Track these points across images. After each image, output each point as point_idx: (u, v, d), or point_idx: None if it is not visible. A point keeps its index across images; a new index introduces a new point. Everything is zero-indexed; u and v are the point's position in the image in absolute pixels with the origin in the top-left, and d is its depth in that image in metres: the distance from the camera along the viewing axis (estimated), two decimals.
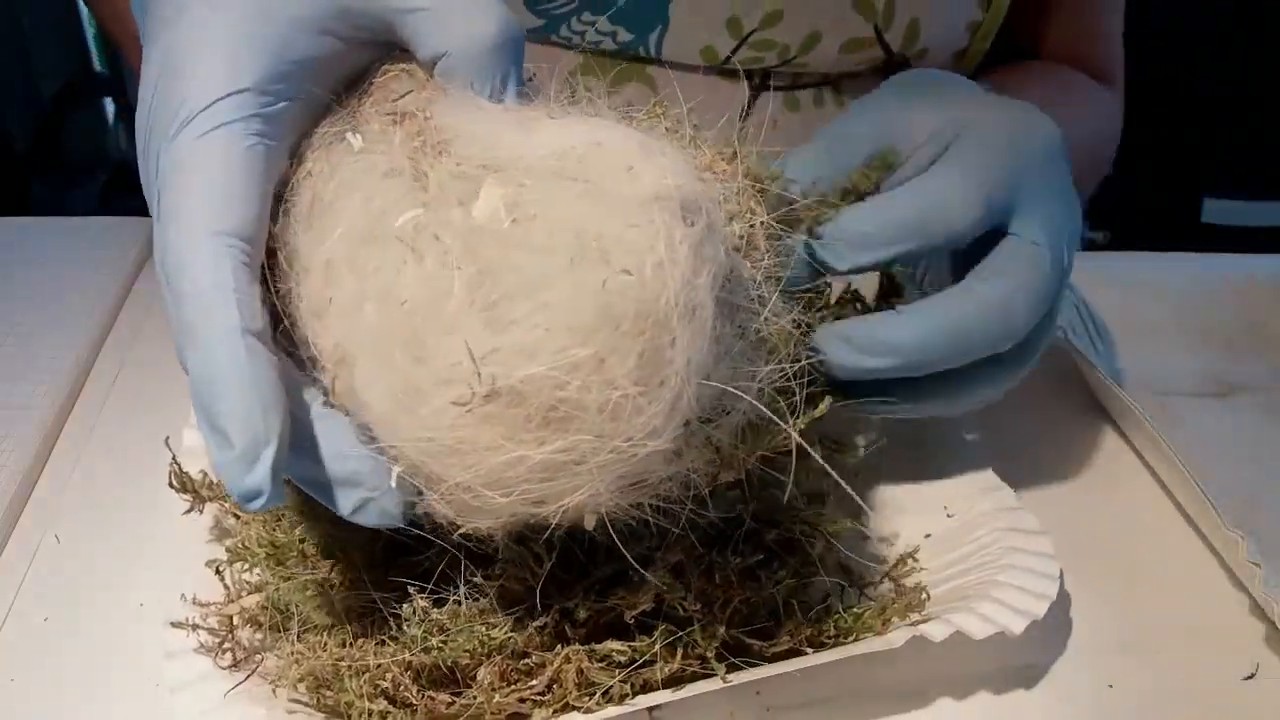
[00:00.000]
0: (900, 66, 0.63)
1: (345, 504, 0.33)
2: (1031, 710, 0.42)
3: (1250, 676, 0.43)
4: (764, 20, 0.60)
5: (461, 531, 0.33)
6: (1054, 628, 0.45)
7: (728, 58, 0.61)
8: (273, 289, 0.35)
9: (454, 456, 0.30)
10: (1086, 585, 0.47)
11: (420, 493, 0.33)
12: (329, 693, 0.37)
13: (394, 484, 0.33)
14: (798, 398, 0.35)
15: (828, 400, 0.39)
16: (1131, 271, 0.63)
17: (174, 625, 0.38)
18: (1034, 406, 0.57)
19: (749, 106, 0.64)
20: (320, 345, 0.34)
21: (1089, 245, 1.20)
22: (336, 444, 0.33)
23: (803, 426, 0.35)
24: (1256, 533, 0.47)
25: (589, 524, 0.33)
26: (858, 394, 0.42)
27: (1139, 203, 1.23)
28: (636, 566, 0.37)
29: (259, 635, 0.39)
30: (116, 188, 1.38)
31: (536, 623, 0.37)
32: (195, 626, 0.38)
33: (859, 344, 0.40)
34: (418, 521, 0.34)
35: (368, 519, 0.33)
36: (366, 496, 0.33)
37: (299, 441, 0.33)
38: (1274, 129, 1.24)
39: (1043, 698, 0.42)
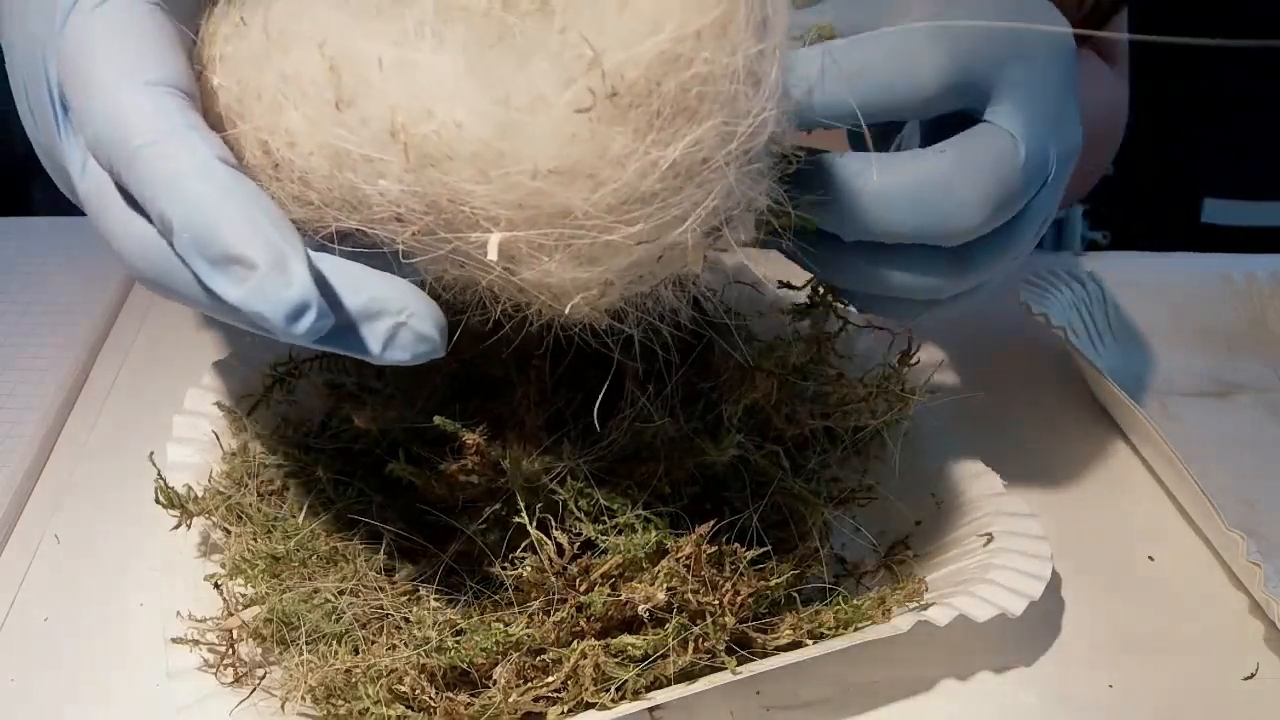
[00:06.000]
0: None
1: (374, 342, 0.29)
2: (1031, 710, 0.42)
3: (1250, 676, 0.43)
4: None
5: (567, 314, 0.30)
6: (1054, 627, 0.45)
7: None
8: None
9: (578, 183, 0.27)
10: (1087, 585, 0.47)
11: (464, 289, 0.29)
12: (341, 702, 0.36)
13: (493, 255, 0.29)
14: None
15: None
16: (1131, 271, 0.63)
17: (175, 641, 0.38)
18: (1034, 406, 0.57)
19: None
20: (343, 135, 0.29)
21: (1089, 245, 1.20)
22: (347, 276, 0.29)
23: None
24: (1256, 533, 0.47)
25: (695, 262, 0.31)
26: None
27: (1139, 203, 1.23)
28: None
29: (259, 649, 0.39)
30: None
31: (554, 618, 0.37)
32: (196, 643, 0.38)
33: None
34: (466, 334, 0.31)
35: (402, 352, 0.29)
36: (394, 324, 0.29)
37: None
38: (1274, 129, 1.24)
39: (1043, 698, 0.42)
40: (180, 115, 0.29)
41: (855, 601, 0.41)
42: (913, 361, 0.45)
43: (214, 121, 0.31)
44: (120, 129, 0.29)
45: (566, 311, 0.31)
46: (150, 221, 0.30)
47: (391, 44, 0.28)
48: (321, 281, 0.28)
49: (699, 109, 0.27)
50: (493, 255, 0.29)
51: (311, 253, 0.29)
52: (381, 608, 0.39)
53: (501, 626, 0.37)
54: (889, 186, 0.37)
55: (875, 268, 0.39)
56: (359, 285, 0.29)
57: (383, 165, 0.28)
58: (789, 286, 0.44)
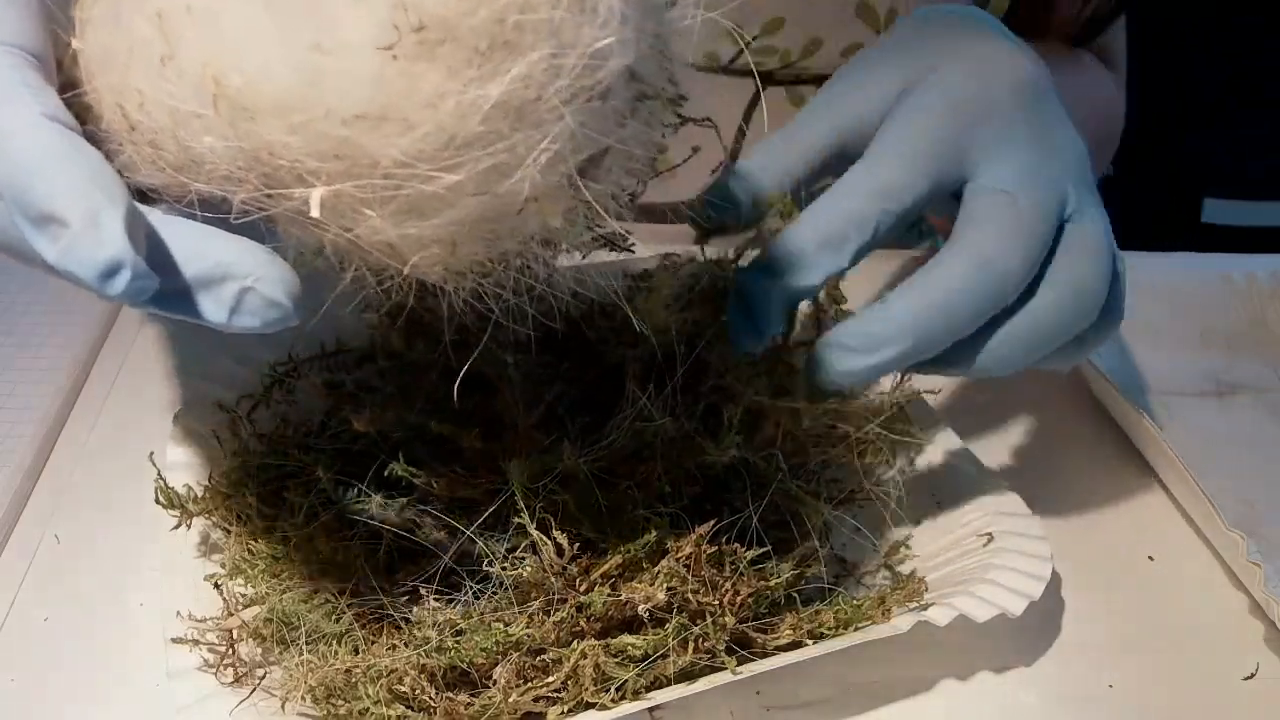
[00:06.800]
0: None
1: (218, 309, 0.28)
2: (1031, 710, 0.42)
3: (1250, 676, 0.43)
4: (765, 28, 0.60)
5: (408, 274, 0.28)
6: (1054, 627, 0.45)
7: (730, 62, 0.62)
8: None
9: (387, 127, 0.25)
10: (1086, 585, 0.47)
11: (322, 252, 0.28)
12: (341, 702, 0.36)
13: (315, 211, 0.27)
14: None
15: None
16: (1131, 271, 0.63)
17: (175, 641, 0.38)
18: (1034, 406, 0.57)
19: (753, 101, 0.64)
20: (171, 92, 0.27)
21: None
22: (189, 242, 0.28)
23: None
24: (1256, 533, 0.47)
25: (552, 215, 0.28)
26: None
27: (1139, 203, 1.23)
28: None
29: (260, 649, 0.39)
30: None
31: (554, 618, 0.37)
32: (196, 643, 0.38)
33: (856, 345, 0.39)
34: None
35: (251, 318, 0.28)
36: (240, 289, 0.28)
37: (149, 255, 0.27)
38: (1274, 129, 1.24)
39: (1043, 698, 0.42)
40: (12, 73, 0.28)
41: (855, 601, 0.41)
42: (908, 378, 0.45)
43: (78, 86, 0.31)
44: None
45: (406, 271, 0.29)
46: None
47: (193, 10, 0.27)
48: (158, 245, 0.27)
49: (519, 41, 0.25)
50: (315, 212, 0.27)
51: (160, 217, 0.28)
52: (381, 608, 0.38)
53: (501, 626, 0.37)
54: (932, 313, 0.39)
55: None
56: (203, 249, 0.28)
57: (206, 121, 0.27)
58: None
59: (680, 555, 0.38)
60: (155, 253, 0.27)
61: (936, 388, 0.51)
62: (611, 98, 0.28)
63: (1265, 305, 0.64)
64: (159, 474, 0.43)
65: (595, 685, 0.37)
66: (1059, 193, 0.41)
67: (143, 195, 0.29)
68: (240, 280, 0.28)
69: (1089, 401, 0.57)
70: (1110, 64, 0.74)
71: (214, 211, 0.29)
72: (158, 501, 0.42)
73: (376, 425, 0.43)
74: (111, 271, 0.26)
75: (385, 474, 0.41)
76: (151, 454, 0.43)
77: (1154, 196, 1.26)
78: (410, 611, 0.38)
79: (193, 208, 0.29)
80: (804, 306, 0.44)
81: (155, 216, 0.28)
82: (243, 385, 0.48)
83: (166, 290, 0.27)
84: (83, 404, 0.54)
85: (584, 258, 0.34)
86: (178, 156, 0.29)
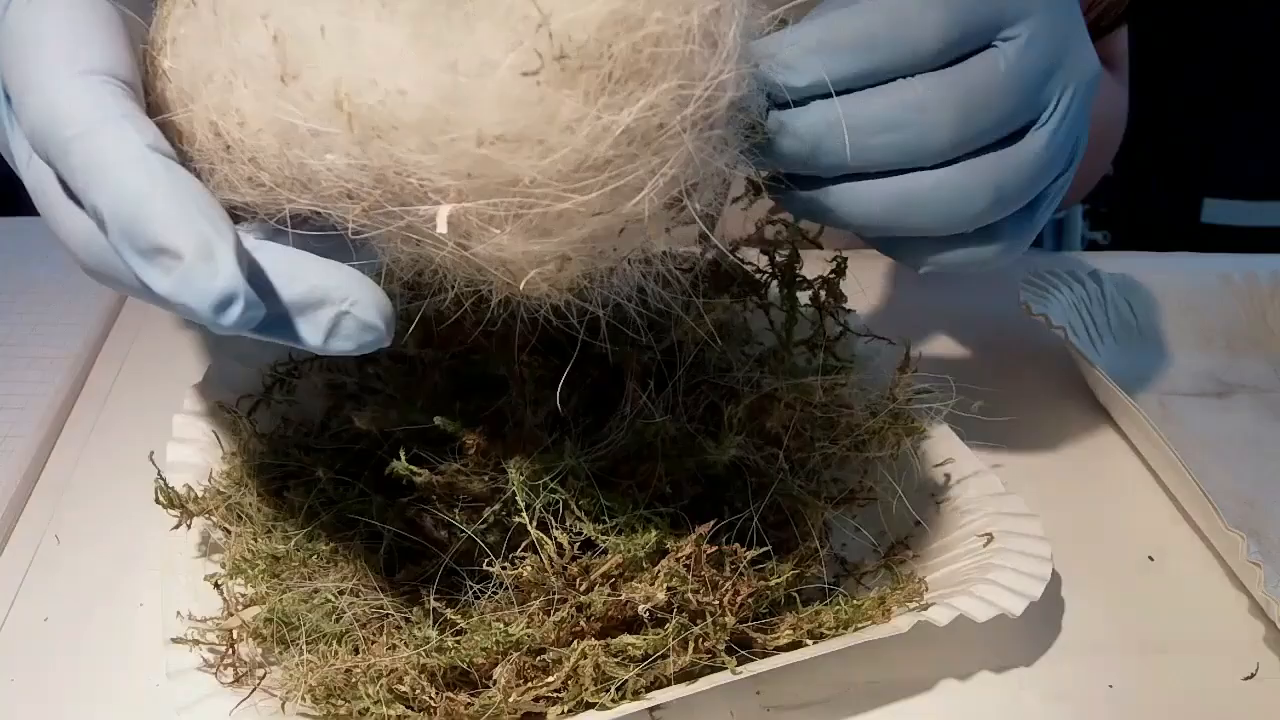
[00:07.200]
0: None
1: (315, 333, 0.28)
2: (1031, 710, 0.42)
3: (1250, 676, 0.43)
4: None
5: (521, 293, 0.30)
6: (1054, 627, 0.45)
7: None
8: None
9: (527, 149, 0.26)
10: (1087, 585, 0.47)
11: (413, 293, 0.29)
12: (341, 702, 0.36)
13: (442, 228, 0.27)
14: None
15: None
16: (1131, 271, 0.63)
17: (175, 641, 0.38)
18: (1034, 406, 0.57)
19: None
20: (290, 110, 0.28)
21: (1089, 245, 1.20)
22: (286, 267, 0.28)
23: None
24: (1256, 533, 0.47)
25: (656, 236, 0.30)
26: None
27: (1139, 203, 1.23)
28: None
29: (260, 649, 0.39)
30: None
31: (554, 618, 0.37)
32: (196, 643, 0.38)
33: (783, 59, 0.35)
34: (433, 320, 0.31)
35: (347, 341, 0.28)
36: (337, 313, 0.28)
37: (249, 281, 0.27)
38: (1274, 129, 1.24)
39: (1043, 698, 0.42)
40: (114, 103, 0.29)
41: (855, 601, 0.41)
42: (913, 369, 0.45)
43: (165, 106, 0.31)
44: (53, 120, 0.28)
45: (522, 288, 0.30)
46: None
47: (335, 13, 0.28)
48: (257, 271, 0.28)
49: (652, 71, 0.26)
50: (442, 228, 0.27)
51: (254, 241, 0.28)
52: (381, 608, 0.39)
53: (501, 626, 0.37)
54: (861, 120, 0.35)
55: (864, 199, 0.37)
56: (300, 274, 0.28)
57: (329, 139, 0.28)
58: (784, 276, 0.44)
59: (680, 555, 0.38)
60: (254, 278, 0.27)
61: (936, 385, 0.51)
62: (718, 126, 0.29)
63: (1265, 305, 0.64)
64: (159, 474, 0.43)
65: (595, 685, 0.37)
66: (1042, 78, 0.37)
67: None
68: (337, 305, 0.28)
69: (1089, 401, 0.57)
70: (1112, 65, 0.74)
71: (305, 229, 0.30)
72: (158, 501, 0.42)
73: (379, 425, 0.43)
74: (226, 303, 0.26)
75: (386, 473, 0.41)
76: (151, 454, 0.43)
77: (1154, 196, 1.26)
78: (410, 611, 0.38)
79: (285, 225, 0.30)
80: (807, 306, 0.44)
81: (250, 241, 0.28)
82: (243, 385, 0.48)
83: (266, 318, 0.28)
84: (83, 404, 0.54)
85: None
86: (279, 174, 0.29)
